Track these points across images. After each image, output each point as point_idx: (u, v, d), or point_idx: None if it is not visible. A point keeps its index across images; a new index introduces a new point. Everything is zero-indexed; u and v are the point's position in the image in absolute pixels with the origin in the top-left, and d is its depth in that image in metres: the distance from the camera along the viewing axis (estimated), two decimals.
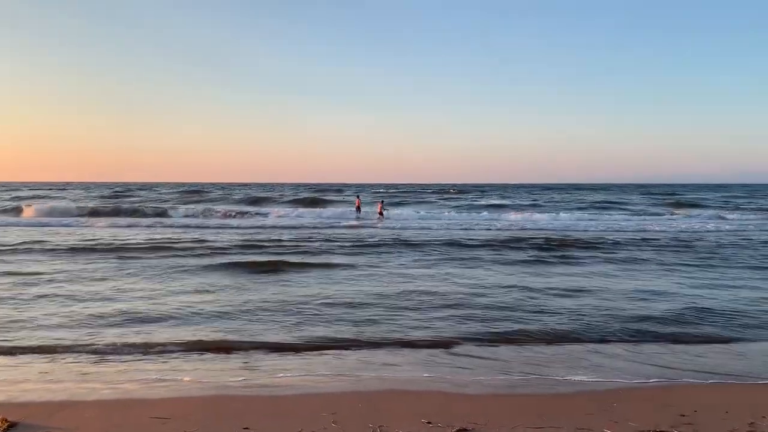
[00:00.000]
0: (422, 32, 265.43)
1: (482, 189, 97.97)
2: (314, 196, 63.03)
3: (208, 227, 28.61)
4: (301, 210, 40.79)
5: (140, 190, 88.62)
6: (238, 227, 28.73)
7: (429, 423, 5.01)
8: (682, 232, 26.25)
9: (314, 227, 28.44)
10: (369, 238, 22.32)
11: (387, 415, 5.29)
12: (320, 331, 8.54)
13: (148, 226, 28.79)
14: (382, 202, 40.12)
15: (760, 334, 8.57)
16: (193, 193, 71.87)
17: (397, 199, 57.99)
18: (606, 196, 74.85)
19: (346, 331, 8.55)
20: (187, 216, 36.77)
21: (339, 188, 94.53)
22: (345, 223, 30.80)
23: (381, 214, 36.37)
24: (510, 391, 6.14)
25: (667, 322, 9.14)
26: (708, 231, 26.85)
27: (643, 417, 5.13)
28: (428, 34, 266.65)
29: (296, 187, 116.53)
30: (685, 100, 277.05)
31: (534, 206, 50.26)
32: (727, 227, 29.18)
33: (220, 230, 26.68)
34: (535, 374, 6.71)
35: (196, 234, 24.12)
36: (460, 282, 12.78)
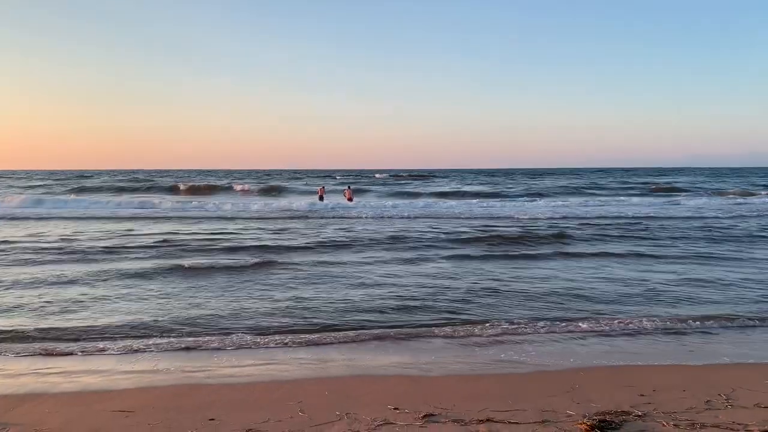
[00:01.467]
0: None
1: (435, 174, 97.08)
2: (277, 184, 61.37)
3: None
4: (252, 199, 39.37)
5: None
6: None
7: (396, 409, 4.98)
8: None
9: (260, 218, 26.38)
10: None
11: (354, 401, 5.24)
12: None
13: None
14: (349, 187, 39.69)
15: None
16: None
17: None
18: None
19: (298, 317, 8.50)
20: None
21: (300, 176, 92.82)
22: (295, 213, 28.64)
23: (350, 200, 36.02)
24: (473, 373, 6.19)
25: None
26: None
27: (604, 397, 5.19)
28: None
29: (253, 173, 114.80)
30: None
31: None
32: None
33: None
34: (498, 357, 6.77)
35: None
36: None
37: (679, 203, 35.03)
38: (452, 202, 36.41)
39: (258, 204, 33.53)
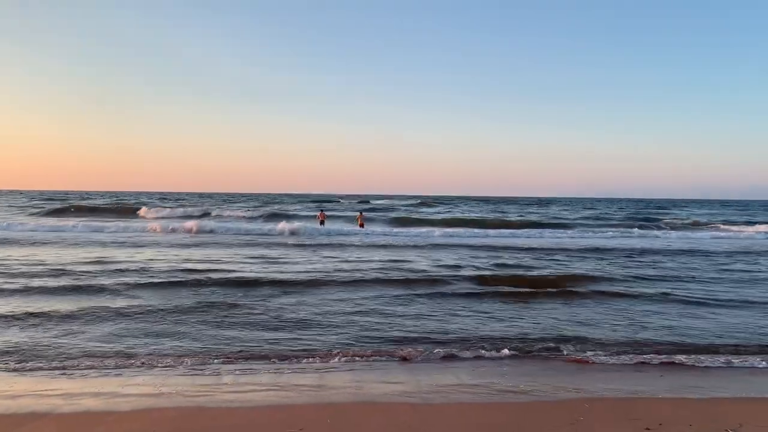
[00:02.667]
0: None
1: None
2: (273, 209, 59.25)
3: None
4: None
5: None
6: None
7: None
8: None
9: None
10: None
11: (356, 429, 5.14)
12: None
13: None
14: (361, 213, 39.18)
15: None
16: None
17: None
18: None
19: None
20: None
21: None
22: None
23: (362, 225, 35.29)
24: (474, 402, 6.09)
25: None
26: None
27: (607, 430, 5.08)
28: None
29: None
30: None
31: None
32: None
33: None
34: (500, 384, 6.67)
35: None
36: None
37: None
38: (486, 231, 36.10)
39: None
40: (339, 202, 77.85)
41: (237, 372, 7.14)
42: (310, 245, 23.65)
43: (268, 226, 31.54)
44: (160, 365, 7.41)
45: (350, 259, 18.74)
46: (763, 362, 7.84)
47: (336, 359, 7.76)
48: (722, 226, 44.06)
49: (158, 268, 15.66)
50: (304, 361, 7.67)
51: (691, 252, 22.83)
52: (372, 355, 7.93)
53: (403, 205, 74.29)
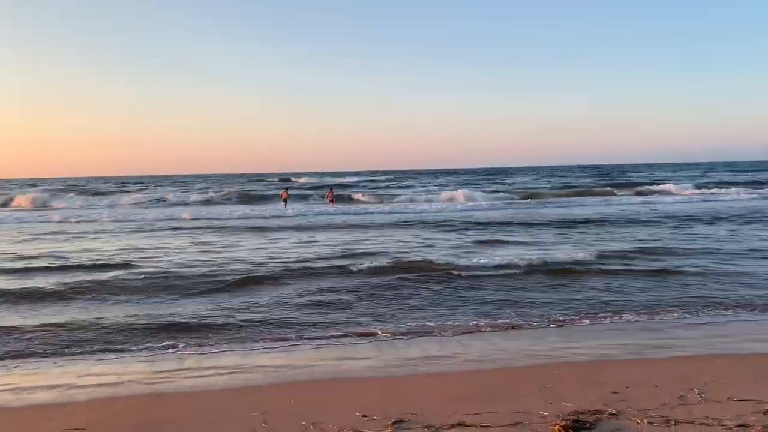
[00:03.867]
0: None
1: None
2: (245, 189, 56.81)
3: None
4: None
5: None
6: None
7: (365, 416, 4.69)
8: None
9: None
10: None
11: (321, 409, 4.94)
12: None
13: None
14: (331, 189, 38.65)
15: None
16: None
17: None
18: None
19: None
20: None
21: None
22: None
23: (332, 202, 34.89)
24: (442, 372, 5.97)
25: None
26: None
27: (576, 396, 4.97)
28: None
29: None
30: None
31: None
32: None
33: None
34: (467, 354, 6.56)
35: None
36: None
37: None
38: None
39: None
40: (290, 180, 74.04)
41: (200, 355, 6.89)
42: (263, 228, 22.19)
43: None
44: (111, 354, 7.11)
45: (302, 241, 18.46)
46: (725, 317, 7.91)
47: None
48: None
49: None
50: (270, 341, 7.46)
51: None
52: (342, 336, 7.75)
53: (378, 181, 73.22)
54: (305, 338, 7.49)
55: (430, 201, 36.39)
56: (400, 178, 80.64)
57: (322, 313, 8.69)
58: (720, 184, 47.07)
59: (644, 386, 5.14)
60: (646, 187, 45.27)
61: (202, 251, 15.40)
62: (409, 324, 8.04)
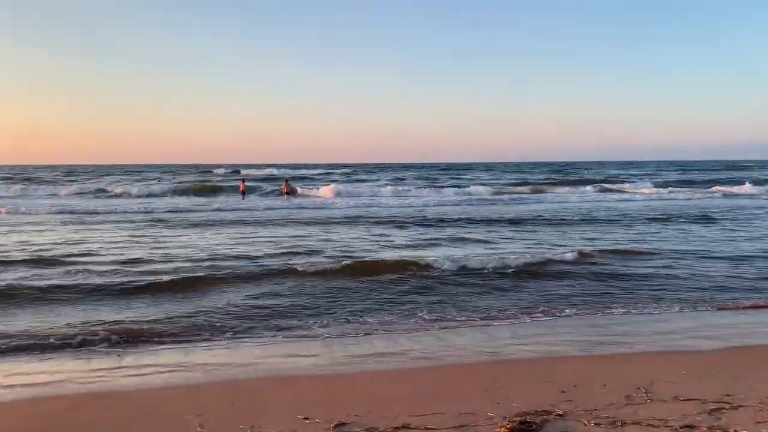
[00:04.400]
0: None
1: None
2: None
3: None
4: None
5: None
6: None
7: (306, 419, 4.46)
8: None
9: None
10: None
11: (261, 410, 4.70)
12: None
13: None
14: (287, 181, 38.23)
15: None
16: None
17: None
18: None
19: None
20: None
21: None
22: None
23: (288, 193, 34.47)
24: (388, 370, 5.81)
25: None
26: None
27: (524, 395, 4.85)
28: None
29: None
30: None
31: None
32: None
33: None
34: (416, 351, 6.40)
35: None
36: None
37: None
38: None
39: None
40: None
41: (139, 353, 6.54)
42: (211, 222, 20.51)
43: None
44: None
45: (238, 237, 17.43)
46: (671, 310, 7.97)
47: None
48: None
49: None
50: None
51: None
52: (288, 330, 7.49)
53: (335, 173, 71.79)
54: (249, 335, 7.21)
55: (385, 195, 36.20)
56: (357, 171, 79.97)
57: (266, 312, 8.36)
58: (678, 183, 48.62)
59: (592, 385, 5.06)
60: (603, 185, 45.75)
61: (139, 246, 14.36)
62: (359, 320, 7.84)
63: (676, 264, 11.63)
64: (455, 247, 14.21)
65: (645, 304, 8.57)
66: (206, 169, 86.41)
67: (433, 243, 14.92)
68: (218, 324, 7.62)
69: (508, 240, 15.46)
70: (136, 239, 15.58)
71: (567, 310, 8.29)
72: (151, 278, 10.16)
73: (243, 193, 34.16)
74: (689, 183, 49.66)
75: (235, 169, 77.56)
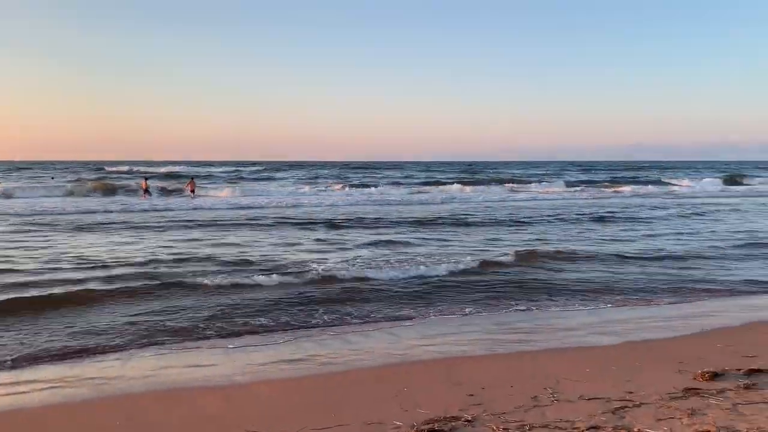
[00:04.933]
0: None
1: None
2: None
3: None
4: None
5: None
6: None
7: None
8: None
9: None
10: None
11: (152, 428, 4.28)
12: None
13: None
14: (192, 179, 37.51)
15: None
16: None
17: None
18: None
19: None
20: None
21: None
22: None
23: (192, 192, 33.66)
24: (291, 376, 5.50)
25: None
26: None
27: (432, 400, 4.67)
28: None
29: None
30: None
31: None
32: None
33: None
34: (323, 357, 6.12)
35: None
36: None
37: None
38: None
39: None
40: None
41: (14, 370, 5.86)
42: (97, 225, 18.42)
43: None
44: None
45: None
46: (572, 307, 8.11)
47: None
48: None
49: None
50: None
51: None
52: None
53: (244, 171, 69.43)
54: (142, 345, 6.64)
55: (294, 195, 35.53)
56: (268, 169, 78.24)
57: (160, 322, 7.78)
58: (585, 183, 50.87)
59: (499, 386, 4.96)
60: (511, 185, 46.93)
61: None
62: (264, 326, 7.44)
63: (577, 261, 12.01)
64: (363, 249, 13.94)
65: (544, 302, 8.66)
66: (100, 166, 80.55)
67: (340, 246, 14.13)
68: (109, 335, 7.00)
69: (420, 242, 15.39)
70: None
71: (468, 309, 8.24)
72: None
73: (146, 191, 32.51)
74: (592, 182, 51.82)
75: (132, 167, 73.56)
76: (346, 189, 40.72)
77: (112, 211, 23.72)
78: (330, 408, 4.59)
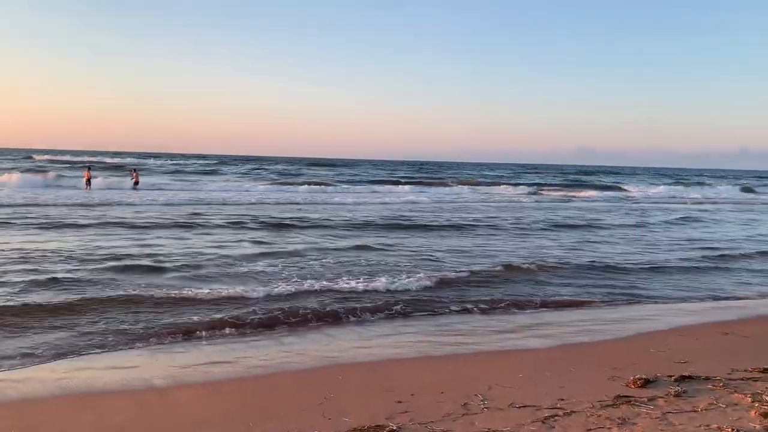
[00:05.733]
0: None
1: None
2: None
3: None
4: None
5: None
6: None
7: None
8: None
9: None
10: None
11: None
12: None
13: None
14: (135, 170, 36.34)
15: None
16: None
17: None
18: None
19: None
20: None
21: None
22: None
23: (137, 183, 32.78)
24: (209, 380, 5.14)
25: None
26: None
27: (358, 408, 4.39)
28: None
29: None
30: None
31: None
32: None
33: None
34: (253, 359, 5.77)
35: None
36: None
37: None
38: None
39: None
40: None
41: None
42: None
43: None
44: None
45: None
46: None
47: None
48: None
49: None
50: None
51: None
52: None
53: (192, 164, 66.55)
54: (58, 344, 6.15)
55: (224, 190, 33.92)
56: (217, 163, 75.21)
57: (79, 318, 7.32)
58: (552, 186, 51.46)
59: (430, 392, 4.71)
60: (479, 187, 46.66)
61: None
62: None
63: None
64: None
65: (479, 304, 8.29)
66: (27, 155, 74.77)
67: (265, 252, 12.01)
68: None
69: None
70: None
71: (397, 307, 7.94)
72: None
73: (88, 181, 31.05)
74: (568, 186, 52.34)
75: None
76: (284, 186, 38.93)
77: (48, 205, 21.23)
78: (249, 416, 4.26)
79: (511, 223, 19.33)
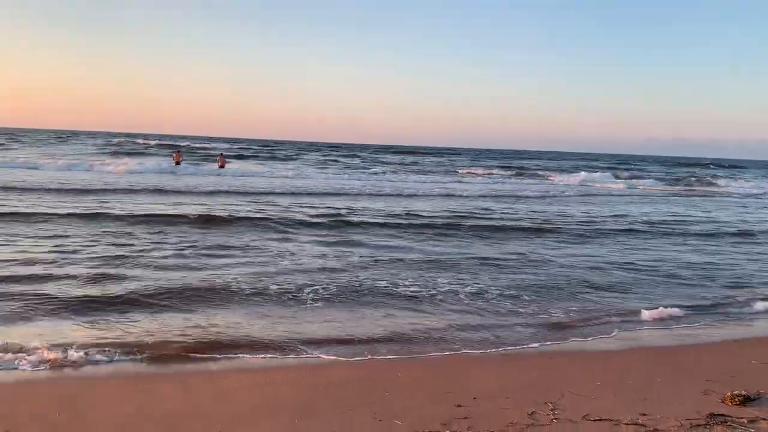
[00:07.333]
0: None
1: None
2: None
3: None
4: None
5: None
6: None
7: None
8: None
9: None
10: None
11: None
12: None
13: None
14: (222, 154, 37.58)
15: None
16: None
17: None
18: None
19: None
20: None
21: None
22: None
23: (222, 167, 33.79)
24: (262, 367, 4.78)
25: None
26: None
27: (413, 411, 3.94)
28: None
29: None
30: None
31: None
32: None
33: None
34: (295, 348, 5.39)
35: None
36: None
37: None
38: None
39: None
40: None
41: None
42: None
43: None
44: None
45: None
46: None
47: None
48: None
49: None
50: None
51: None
52: None
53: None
54: None
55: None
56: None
57: None
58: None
59: (494, 397, 4.18)
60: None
61: None
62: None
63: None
64: None
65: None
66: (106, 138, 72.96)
67: None
68: None
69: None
70: None
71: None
72: None
73: (178, 163, 32.74)
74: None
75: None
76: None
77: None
78: (296, 410, 3.92)
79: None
